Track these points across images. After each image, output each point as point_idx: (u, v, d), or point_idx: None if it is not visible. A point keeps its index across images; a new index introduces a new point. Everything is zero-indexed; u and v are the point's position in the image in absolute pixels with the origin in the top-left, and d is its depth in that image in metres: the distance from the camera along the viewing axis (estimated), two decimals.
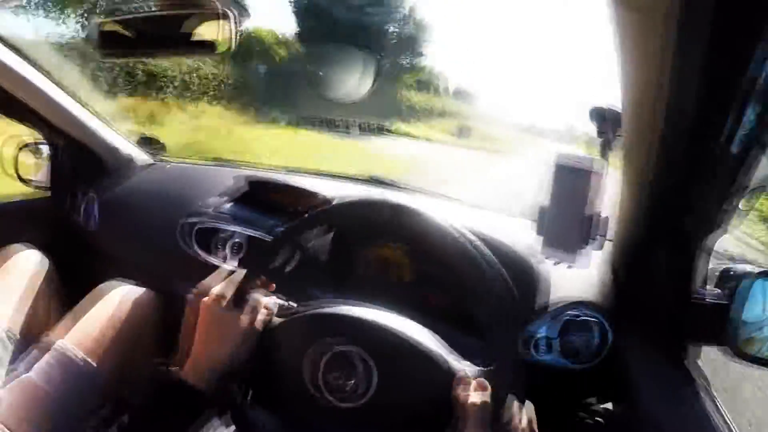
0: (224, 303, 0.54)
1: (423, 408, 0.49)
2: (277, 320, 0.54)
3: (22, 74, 0.89)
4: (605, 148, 0.60)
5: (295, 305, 0.58)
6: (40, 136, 1.02)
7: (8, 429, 0.63)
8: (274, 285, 0.60)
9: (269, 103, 7.49)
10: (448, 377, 0.48)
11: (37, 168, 1.03)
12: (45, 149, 1.02)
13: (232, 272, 0.58)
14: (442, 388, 0.48)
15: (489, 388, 0.46)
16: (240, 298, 0.55)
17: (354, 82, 0.87)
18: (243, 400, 0.53)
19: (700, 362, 0.56)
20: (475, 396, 0.45)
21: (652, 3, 0.31)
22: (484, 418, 0.44)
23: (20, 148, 1.01)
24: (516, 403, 0.48)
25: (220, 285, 0.55)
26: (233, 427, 0.52)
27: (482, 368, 0.49)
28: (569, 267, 0.58)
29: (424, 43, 11.59)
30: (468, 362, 0.50)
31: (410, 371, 0.49)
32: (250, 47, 7.80)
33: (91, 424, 0.65)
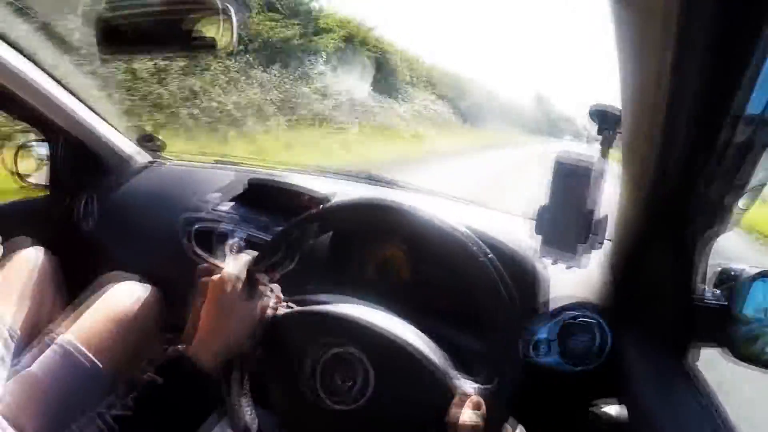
0: (238, 285, 0.52)
1: (416, 419, 0.48)
2: (271, 312, 0.54)
3: (21, 71, 0.88)
4: (605, 146, 0.59)
5: (294, 306, 0.58)
6: (40, 135, 1.02)
7: (11, 423, 0.63)
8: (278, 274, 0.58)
9: None
10: (445, 392, 0.47)
11: (36, 167, 1.03)
12: (44, 148, 1.02)
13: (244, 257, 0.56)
14: (437, 403, 0.47)
15: (483, 407, 0.45)
16: (251, 282, 0.53)
17: None
18: (239, 393, 0.52)
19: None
20: (467, 414, 0.44)
21: (652, 2, 0.31)
22: None
23: (19, 147, 1.01)
24: (510, 426, 0.47)
25: (232, 266, 0.53)
26: (226, 420, 0.51)
27: (480, 386, 0.48)
28: (568, 267, 0.58)
29: None
30: (466, 377, 0.49)
31: (407, 381, 0.48)
32: None
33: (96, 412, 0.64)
